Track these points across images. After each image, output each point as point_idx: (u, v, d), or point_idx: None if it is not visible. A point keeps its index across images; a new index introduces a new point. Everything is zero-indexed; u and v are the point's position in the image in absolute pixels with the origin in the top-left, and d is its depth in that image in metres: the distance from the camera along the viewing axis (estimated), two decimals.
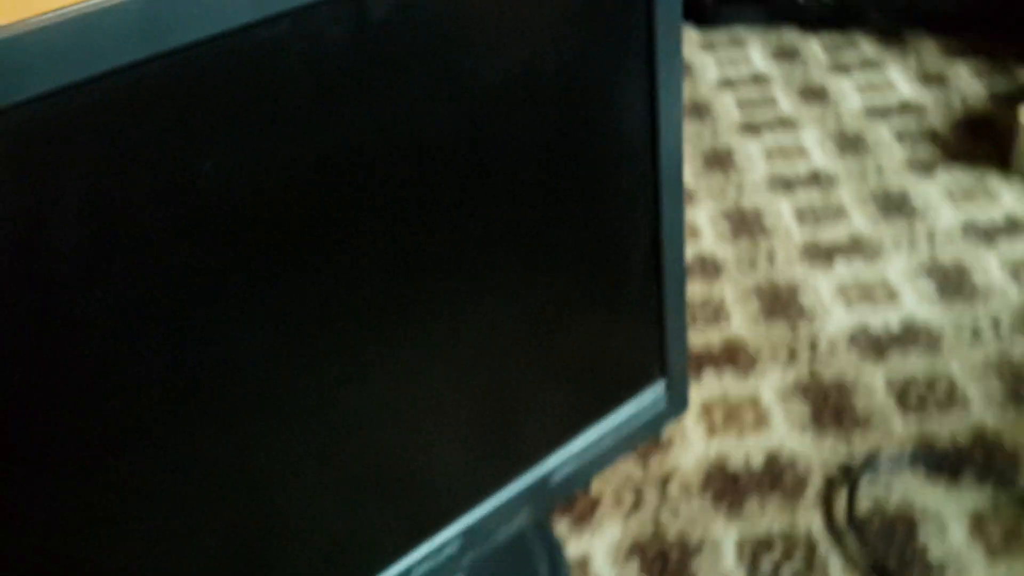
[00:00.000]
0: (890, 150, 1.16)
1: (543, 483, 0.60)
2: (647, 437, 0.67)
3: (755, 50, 1.46)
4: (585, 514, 0.74)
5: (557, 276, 0.54)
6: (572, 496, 0.75)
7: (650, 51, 0.52)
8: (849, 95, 1.31)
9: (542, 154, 0.49)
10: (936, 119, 1.21)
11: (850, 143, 1.19)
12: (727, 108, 1.32)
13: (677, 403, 0.67)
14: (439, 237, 0.46)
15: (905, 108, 1.25)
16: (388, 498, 0.53)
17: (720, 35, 1.50)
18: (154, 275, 0.37)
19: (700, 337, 0.90)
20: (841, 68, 1.38)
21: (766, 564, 0.68)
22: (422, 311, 0.48)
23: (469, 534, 0.58)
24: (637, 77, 0.52)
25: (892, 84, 1.32)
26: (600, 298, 0.58)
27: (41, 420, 0.37)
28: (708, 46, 1.48)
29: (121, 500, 0.41)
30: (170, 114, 0.35)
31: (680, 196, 0.58)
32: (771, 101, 1.33)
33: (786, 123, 1.26)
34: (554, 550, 0.70)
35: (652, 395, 0.64)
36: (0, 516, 0.38)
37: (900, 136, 1.19)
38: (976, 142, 1.15)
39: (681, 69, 0.53)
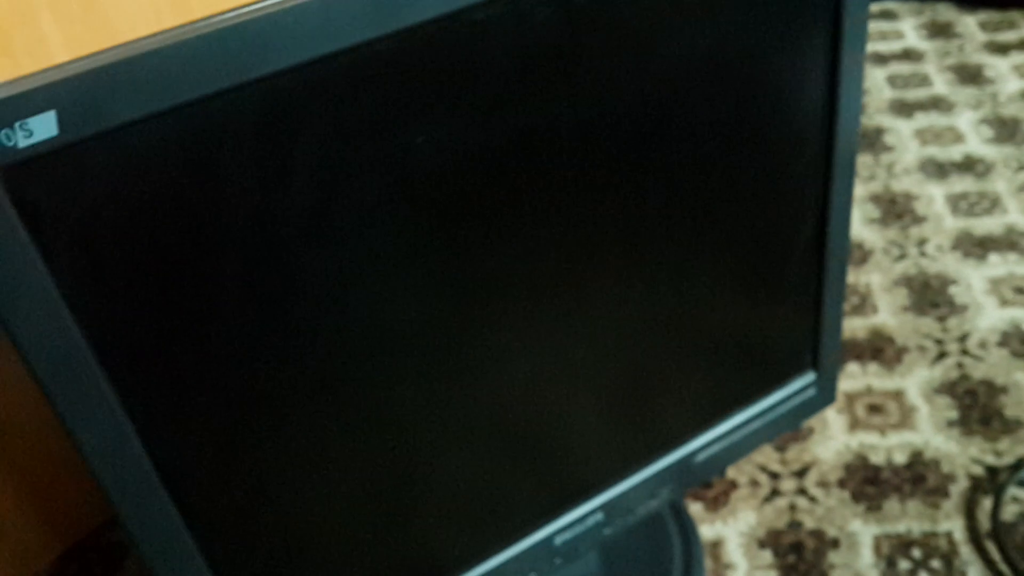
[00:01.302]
0: None
1: (685, 464, 0.60)
2: (793, 427, 0.66)
3: (907, 24, 1.40)
4: (720, 499, 0.73)
5: (721, 258, 0.53)
6: (709, 480, 0.75)
7: (836, 30, 0.51)
8: (1007, 77, 1.24)
9: (720, 133, 0.48)
10: None
11: (1007, 128, 1.13)
12: (878, 85, 1.27)
13: (825, 395, 0.66)
14: (615, 213, 0.46)
15: None
16: (537, 466, 0.54)
17: (870, 7, 1.44)
18: (367, 234, 0.38)
19: (845, 326, 0.87)
20: (999, 48, 1.31)
21: (904, 565, 0.66)
22: (586, 284, 0.48)
23: (610, 507, 0.58)
24: (821, 57, 0.51)
25: None
26: (760, 284, 0.57)
27: (258, 360, 0.39)
28: None
29: (303, 444, 0.43)
30: (393, 89, 0.35)
31: (851, 183, 0.56)
32: (924, 79, 1.27)
33: (940, 103, 1.21)
34: (689, 532, 0.70)
35: (801, 385, 0.63)
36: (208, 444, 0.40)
37: None
38: None
39: (863, 48, 0.51)
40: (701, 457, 0.61)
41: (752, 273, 0.56)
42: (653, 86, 0.44)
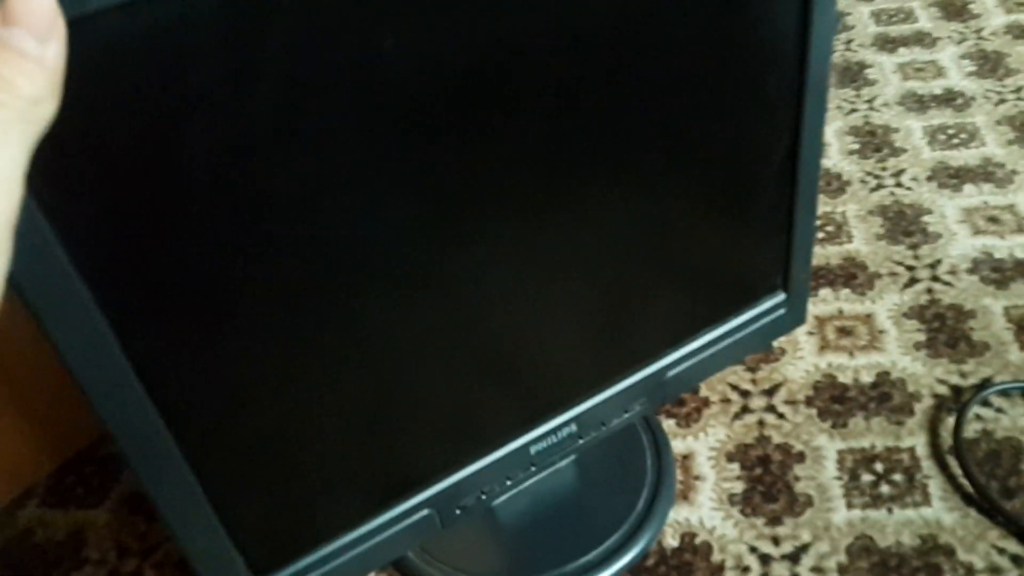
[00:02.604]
0: None
1: (656, 380, 0.62)
2: (762, 346, 0.68)
3: None
4: (692, 415, 0.76)
5: (693, 176, 0.55)
6: (681, 398, 0.78)
7: None
8: (992, 11, 1.25)
9: (690, 49, 0.49)
10: None
11: (989, 62, 1.14)
12: (863, 20, 1.28)
13: (795, 316, 0.68)
14: (585, 127, 0.48)
15: None
16: (512, 378, 0.56)
17: None
18: (339, 139, 0.40)
19: (820, 252, 0.89)
20: None
21: (866, 478, 0.69)
22: (560, 200, 0.50)
23: (583, 420, 0.61)
24: None
25: None
26: (732, 204, 0.58)
27: (223, 262, 0.41)
28: None
29: (279, 348, 0.45)
30: None
31: (823, 106, 0.57)
32: (909, 14, 1.27)
33: (923, 38, 1.22)
34: (660, 444, 0.72)
35: (771, 305, 0.65)
36: (188, 357, 0.42)
37: None
38: None
39: None
40: (672, 373, 0.63)
41: (725, 193, 0.57)
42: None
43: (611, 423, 0.63)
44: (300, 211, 0.41)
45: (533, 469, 0.61)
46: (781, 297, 0.65)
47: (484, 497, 0.59)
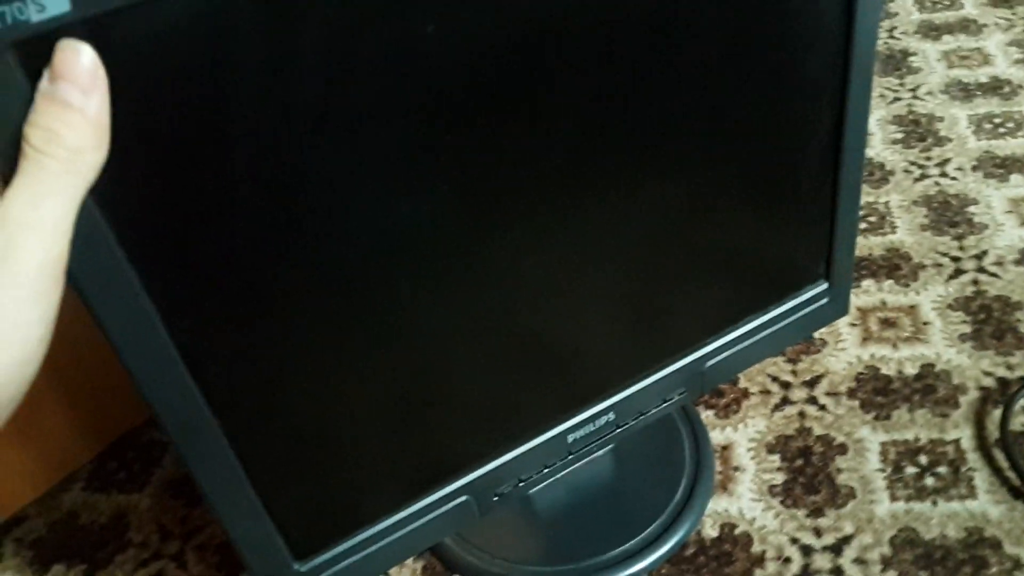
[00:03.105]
0: None
1: (695, 369, 0.62)
2: (803, 336, 0.67)
3: None
4: (732, 406, 0.75)
5: (734, 162, 0.54)
6: (719, 389, 0.77)
7: None
8: None
9: (733, 32, 0.48)
10: None
11: None
12: (906, 7, 1.26)
13: (837, 306, 0.67)
14: (624, 112, 0.47)
15: None
16: (550, 366, 0.56)
17: None
18: (373, 130, 0.40)
19: (863, 243, 0.88)
20: None
21: (910, 470, 0.68)
22: (597, 187, 0.49)
23: (623, 407, 0.60)
24: None
25: None
26: (774, 190, 0.58)
27: (268, 250, 0.41)
28: None
29: (320, 334, 0.45)
30: None
31: (868, 92, 0.56)
32: (954, 1, 1.25)
33: (969, 26, 1.19)
34: (699, 434, 0.72)
35: (813, 295, 0.65)
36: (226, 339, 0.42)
37: None
38: None
39: None
40: (711, 363, 0.63)
41: (767, 180, 0.57)
42: None
43: (649, 412, 0.62)
44: (340, 199, 0.41)
45: (571, 457, 0.60)
46: (823, 287, 0.65)
47: (521, 485, 0.59)
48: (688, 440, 0.72)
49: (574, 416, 0.59)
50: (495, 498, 0.58)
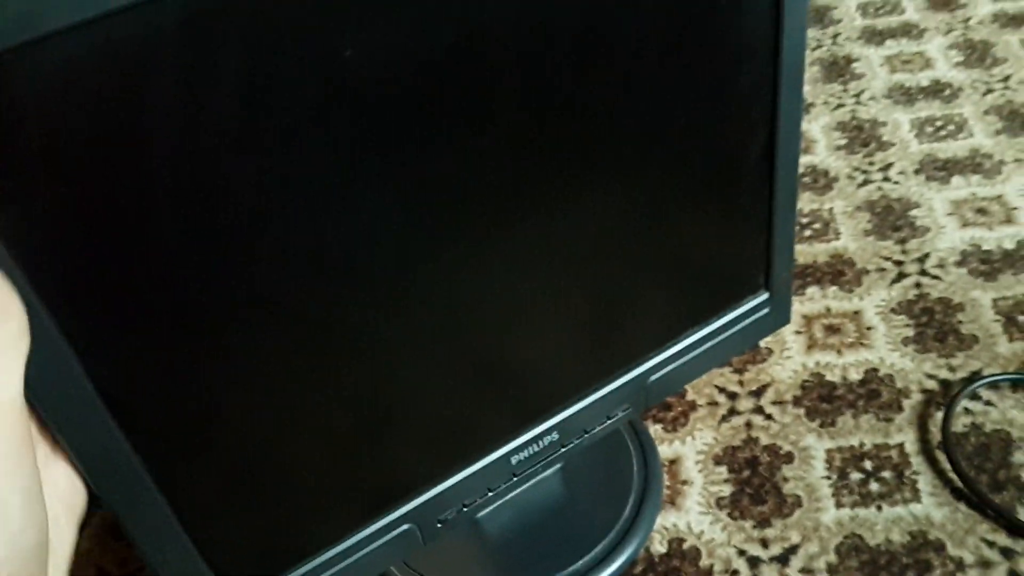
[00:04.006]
0: (1019, 61, 1.10)
1: (639, 383, 0.62)
2: (746, 347, 0.67)
3: None
4: (680, 419, 0.76)
5: (669, 176, 0.54)
6: (667, 402, 0.77)
7: None
8: (979, 1, 1.24)
9: (662, 44, 0.48)
10: None
11: (976, 52, 1.14)
12: (850, 13, 1.27)
13: (779, 316, 0.67)
14: (557, 127, 0.47)
15: None
16: (490, 386, 0.56)
17: None
18: (297, 152, 0.39)
19: (807, 250, 0.89)
20: None
21: (855, 476, 0.69)
22: (537, 204, 0.49)
23: (567, 426, 0.60)
24: None
25: None
26: (710, 203, 0.58)
27: (191, 280, 0.40)
28: None
29: (256, 362, 0.45)
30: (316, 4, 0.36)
31: (799, 102, 0.57)
32: (896, 6, 1.27)
33: (911, 30, 1.21)
34: (647, 449, 0.72)
35: (754, 305, 0.65)
36: (150, 369, 0.42)
37: None
38: None
39: None
40: (655, 377, 0.63)
41: (702, 192, 0.57)
42: None
43: (594, 430, 0.62)
44: (267, 225, 0.41)
45: (515, 479, 0.60)
46: (764, 296, 0.65)
47: (465, 510, 0.59)
48: (636, 456, 0.72)
49: (518, 437, 0.59)
50: (439, 525, 0.58)
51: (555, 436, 0.60)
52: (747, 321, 0.65)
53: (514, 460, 0.59)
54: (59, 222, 0.36)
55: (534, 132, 0.47)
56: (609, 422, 0.63)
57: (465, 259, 0.49)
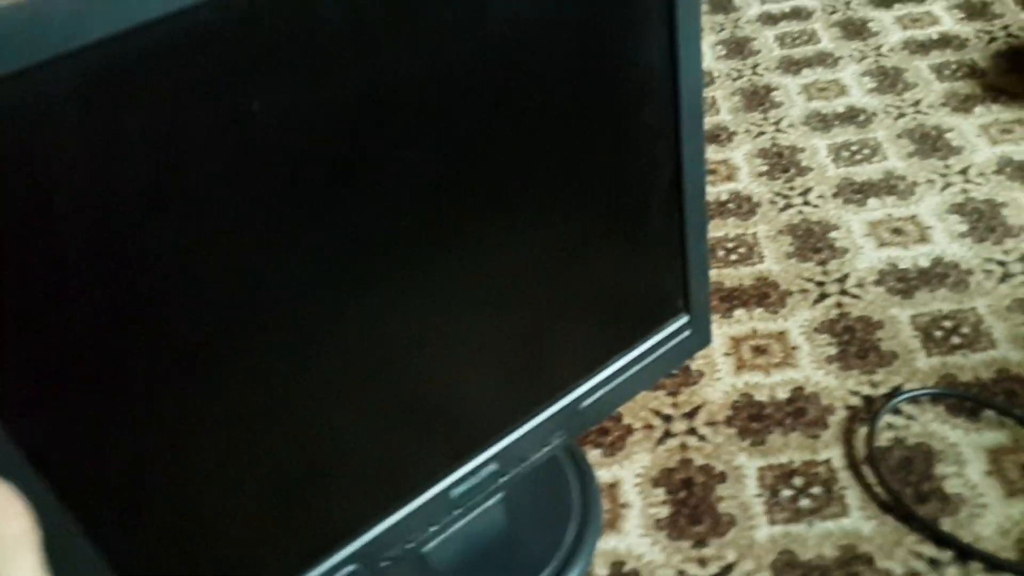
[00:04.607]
0: (928, 85, 1.15)
1: (571, 411, 0.64)
2: (671, 369, 0.69)
3: None
4: (617, 443, 0.77)
5: (583, 211, 0.56)
6: (604, 427, 0.79)
7: None
8: (891, 29, 1.29)
9: (565, 89, 0.50)
10: (978, 53, 1.20)
11: (889, 78, 1.18)
12: (768, 44, 1.32)
13: (700, 337, 0.69)
14: (469, 171, 0.49)
15: (946, 42, 1.24)
16: (424, 422, 0.57)
17: None
18: (210, 208, 0.40)
19: (733, 274, 0.92)
20: (884, 1, 1.36)
21: (786, 493, 0.71)
22: (454, 244, 0.51)
23: (504, 456, 0.61)
24: (657, 18, 0.53)
25: (935, 17, 1.30)
26: (624, 233, 0.60)
27: (110, 341, 0.40)
28: None
29: (184, 416, 0.45)
30: (221, 59, 0.37)
31: (700, 134, 0.59)
32: (812, 36, 1.32)
33: (826, 59, 1.26)
34: (585, 475, 0.73)
35: (676, 328, 0.67)
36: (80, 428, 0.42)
37: (939, 71, 1.18)
38: (1019, 76, 1.14)
39: (699, 10, 0.55)
40: (586, 403, 0.64)
41: (616, 224, 0.59)
42: (488, 43, 0.46)
43: (531, 458, 0.63)
44: (184, 279, 0.41)
45: (457, 512, 0.61)
46: (684, 319, 0.67)
47: (409, 547, 0.59)
48: (575, 482, 0.73)
49: (456, 471, 0.60)
50: (384, 563, 0.58)
51: (494, 467, 0.61)
52: (671, 343, 0.67)
53: (454, 493, 0.60)
54: None
55: (446, 175, 0.48)
56: (546, 449, 0.64)
57: (390, 303, 0.50)
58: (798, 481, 0.72)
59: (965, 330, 0.81)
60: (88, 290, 0.39)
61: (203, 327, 0.43)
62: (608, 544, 0.69)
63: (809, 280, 0.90)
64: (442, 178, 0.48)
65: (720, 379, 0.81)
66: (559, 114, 0.51)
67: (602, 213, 0.57)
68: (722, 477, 0.73)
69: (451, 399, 0.57)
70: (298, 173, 0.42)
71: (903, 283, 0.87)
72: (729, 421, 0.77)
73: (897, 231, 0.94)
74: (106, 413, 0.42)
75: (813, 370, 0.80)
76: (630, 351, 0.65)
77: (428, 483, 0.59)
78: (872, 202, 0.98)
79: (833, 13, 1.37)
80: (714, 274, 0.92)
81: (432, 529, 0.60)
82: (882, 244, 0.92)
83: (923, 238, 0.92)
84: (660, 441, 0.77)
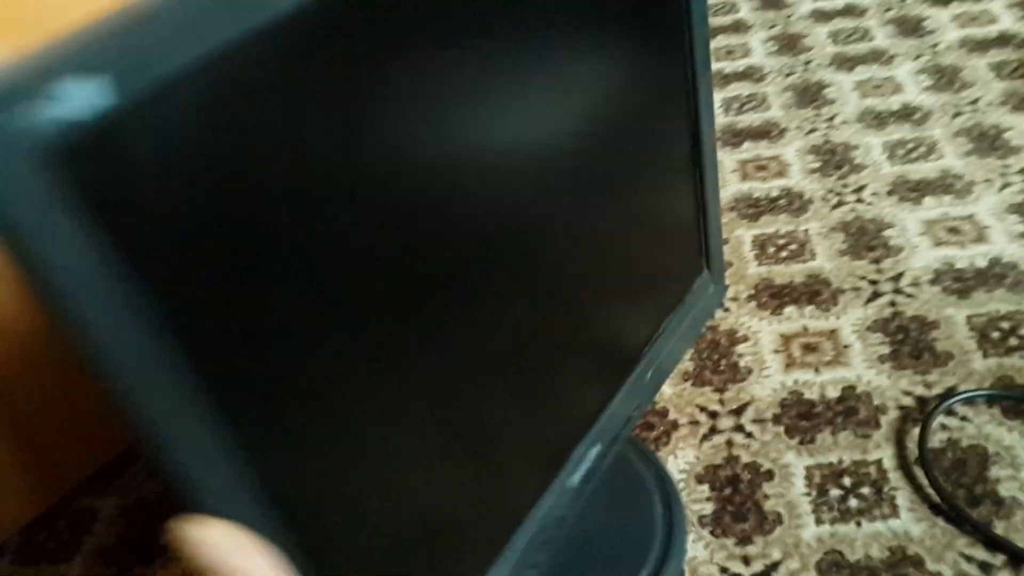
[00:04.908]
0: (987, 84, 1.13)
1: (642, 380, 0.64)
2: (704, 326, 0.70)
3: None
4: (661, 439, 0.76)
5: (631, 182, 0.58)
6: (650, 422, 0.78)
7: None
8: (947, 27, 1.27)
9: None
10: None
11: (945, 77, 1.16)
12: (820, 41, 1.30)
13: (719, 291, 0.72)
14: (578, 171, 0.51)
15: (1005, 40, 1.21)
16: (551, 408, 0.56)
17: None
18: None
19: (784, 271, 0.90)
20: None
21: (834, 492, 0.69)
22: (556, 238, 0.52)
23: (603, 435, 0.60)
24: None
25: (993, 15, 1.27)
26: (660, 197, 0.62)
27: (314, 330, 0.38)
28: None
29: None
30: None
31: (709, 86, 0.62)
32: (865, 33, 1.30)
33: (880, 56, 1.24)
34: (671, 495, 0.71)
35: (700, 284, 0.69)
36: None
37: (997, 69, 1.15)
38: None
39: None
40: (649, 373, 0.64)
41: (653, 189, 0.61)
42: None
43: (623, 433, 0.62)
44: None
45: (578, 498, 0.59)
46: (707, 275, 0.70)
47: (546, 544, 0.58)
48: (658, 494, 0.71)
49: (572, 454, 0.58)
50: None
51: (599, 447, 0.60)
52: (700, 302, 0.69)
53: (573, 481, 0.58)
54: (203, 280, 0.32)
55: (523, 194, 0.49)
56: (628, 423, 0.63)
57: (491, 319, 0.49)
58: (847, 481, 0.70)
59: (1023, 332, 0.79)
60: (297, 271, 0.35)
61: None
62: None
63: (862, 278, 0.88)
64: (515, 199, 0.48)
65: (769, 376, 0.80)
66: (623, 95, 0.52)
67: (643, 179, 0.59)
68: (769, 475, 0.72)
69: (567, 383, 0.57)
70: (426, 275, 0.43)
71: (959, 283, 0.85)
72: (777, 419, 0.76)
73: (954, 230, 0.92)
74: (298, 389, 0.38)
75: (865, 369, 0.79)
76: (674, 315, 0.65)
77: (555, 468, 0.57)
78: (928, 201, 0.96)
79: (888, 11, 1.34)
80: (764, 270, 0.91)
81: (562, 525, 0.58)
82: (938, 243, 0.90)
83: (980, 238, 0.90)
84: (706, 437, 0.76)
